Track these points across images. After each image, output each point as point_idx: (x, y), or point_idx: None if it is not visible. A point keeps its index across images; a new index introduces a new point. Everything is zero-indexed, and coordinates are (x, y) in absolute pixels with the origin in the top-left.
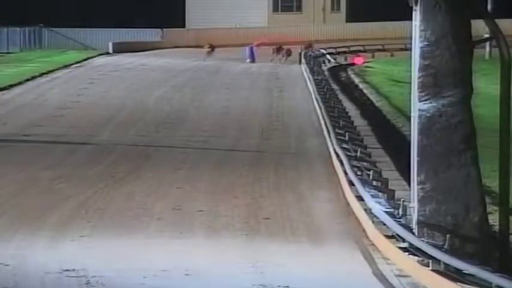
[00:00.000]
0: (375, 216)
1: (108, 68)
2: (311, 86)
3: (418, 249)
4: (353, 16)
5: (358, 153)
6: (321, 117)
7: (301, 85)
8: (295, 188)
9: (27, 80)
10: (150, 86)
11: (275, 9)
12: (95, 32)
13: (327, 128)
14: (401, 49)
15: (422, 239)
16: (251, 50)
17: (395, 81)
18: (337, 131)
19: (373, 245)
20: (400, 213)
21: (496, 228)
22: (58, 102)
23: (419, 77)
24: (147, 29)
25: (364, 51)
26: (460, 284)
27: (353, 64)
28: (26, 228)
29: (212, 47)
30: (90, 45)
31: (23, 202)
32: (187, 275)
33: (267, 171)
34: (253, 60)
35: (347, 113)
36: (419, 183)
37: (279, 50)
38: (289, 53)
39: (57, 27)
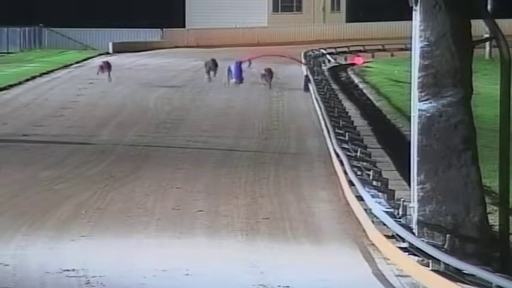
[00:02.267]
0: (375, 216)
1: None
2: (311, 86)
3: (418, 249)
4: (353, 16)
5: (358, 153)
6: (321, 117)
7: (301, 85)
8: (295, 188)
9: (27, 80)
10: (150, 86)
11: (275, 9)
12: (95, 32)
13: (327, 128)
14: (401, 49)
15: (422, 239)
16: (239, 67)
17: (395, 81)
18: (337, 131)
19: (373, 245)
20: (400, 213)
21: (496, 228)
22: (58, 102)
23: (419, 77)
24: (147, 29)
25: (364, 51)
26: (460, 284)
27: (353, 64)
28: (26, 228)
29: (107, 64)
30: (90, 45)
31: (23, 202)
32: (187, 275)
33: (267, 171)
34: (240, 81)
35: (347, 113)
36: (419, 183)
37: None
38: (270, 74)
39: (57, 27)
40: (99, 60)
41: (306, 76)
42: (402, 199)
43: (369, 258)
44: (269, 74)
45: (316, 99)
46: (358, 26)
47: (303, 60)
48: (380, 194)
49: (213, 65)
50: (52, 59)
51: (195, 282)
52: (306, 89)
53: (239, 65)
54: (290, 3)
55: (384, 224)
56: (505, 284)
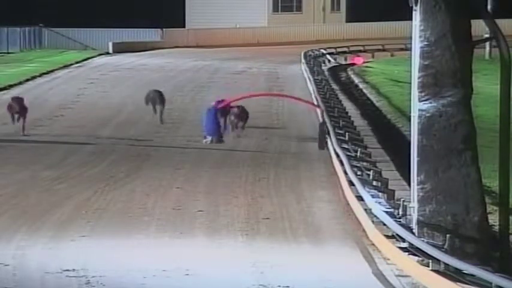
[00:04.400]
0: (375, 216)
1: (108, 68)
2: (311, 86)
3: (418, 249)
4: (353, 16)
5: (358, 153)
6: (321, 116)
7: (301, 85)
8: (295, 188)
9: (27, 80)
10: (150, 86)
11: (275, 9)
12: (95, 32)
13: (327, 128)
14: (401, 49)
15: (422, 239)
16: (215, 115)
17: (395, 81)
18: (337, 131)
19: (373, 245)
20: (400, 213)
21: (496, 228)
22: (58, 102)
23: (419, 77)
24: (147, 29)
25: (364, 51)
26: (460, 284)
27: (353, 64)
28: (26, 228)
29: (21, 107)
30: (90, 45)
31: (23, 202)
32: (187, 275)
33: (267, 171)
34: (218, 138)
35: (347, 113)
36: (419, 183)
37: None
38: (245, 115)
39: (57, 27)
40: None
41: (322, 124)
42: (402, 199)
43: (369, 258)
44: (241, 116)
45: (316, 99)
46: (358, 26)
47: (316, 102)
48: (380, 194)
49: (157, 99)
50: (52, 59)
51: (195, 282)
52: (322, 143)
53: (214, 113)
54: (290, 3)
55: (384, 224)
56: (505, 284)
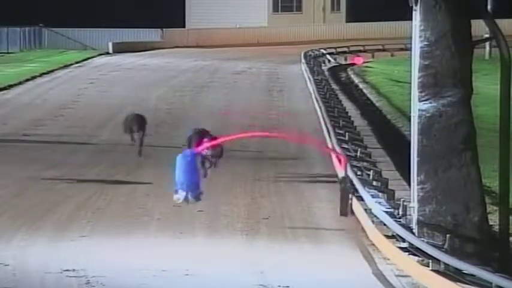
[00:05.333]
0: (375, 216)
1: (108, 68)
2: (311, 86)
3: (418, 249)
4: (353, 16)
5: (358, 153)
6: (321, 117)
7: (301, 85)
8: (295, 188)
9: (27, 80)
10: (150, 86)
11: (275, 9)
12: (95, 32)
13: (327, 128)
14: (401, 49)
15: (422, 239)
16: (194, 163)
17: (395, 81)
18: (337, 131)
19: (373, 245)
20: (400, 213)
21: (496, 228)
22: (58, 102)
23: (419, 77)
24: (147, 29)
25: (364, 51)
26: (460, 284)
27: (353, 64)
28: (26, 228)
29: None
30: (90, 45)
31: (24, 202)
32: (187, 275)
33: (267, 171)
34: (196, 196)
35: (347, 113)
36: (419, 183)
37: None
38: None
39: (57, 27)
40: None
41: (345, 180)
42: (402, 199)
43: (369, 258)
44: (214, 152)
45: (316, 99)
46: (358, 26)
47: (331, 145)
48: (380, 194)
49: (137, 123)
50: (52, 59)
51: (195, 282)
52: (345, 208)
53: (192, 159)
54: (290, 3)
55: (384, 224)
56: (505, 284)
